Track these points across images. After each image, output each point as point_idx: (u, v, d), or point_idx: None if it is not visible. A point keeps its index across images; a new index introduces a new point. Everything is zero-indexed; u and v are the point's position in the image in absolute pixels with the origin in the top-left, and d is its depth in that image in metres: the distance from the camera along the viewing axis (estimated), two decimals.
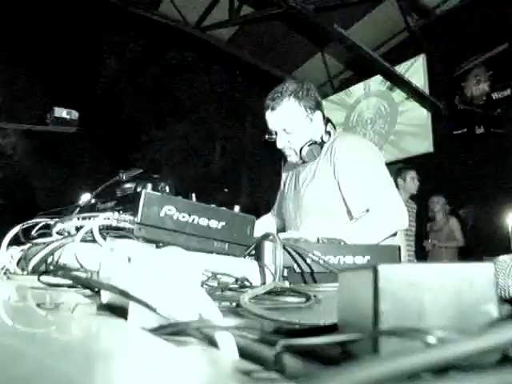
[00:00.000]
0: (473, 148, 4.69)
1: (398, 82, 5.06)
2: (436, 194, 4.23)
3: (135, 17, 4.86)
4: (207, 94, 9.11)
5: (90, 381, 0.21)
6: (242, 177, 9.39)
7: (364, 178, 1.48)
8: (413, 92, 5.02)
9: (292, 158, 1.64)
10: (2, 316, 0.45)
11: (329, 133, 1.63)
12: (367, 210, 1.46)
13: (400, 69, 5.16)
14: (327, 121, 1.66)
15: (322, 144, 1.60)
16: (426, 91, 5.05)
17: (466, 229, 4.30)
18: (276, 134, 1.59)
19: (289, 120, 1.56)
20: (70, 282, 0.53)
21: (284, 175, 1.86)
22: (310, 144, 1.58)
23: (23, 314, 0.46)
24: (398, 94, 5.33)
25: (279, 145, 1.59)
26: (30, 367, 0.23)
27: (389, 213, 1.46)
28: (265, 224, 1.80)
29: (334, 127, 1.71)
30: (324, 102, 1.92)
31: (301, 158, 1.60)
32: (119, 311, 0.39)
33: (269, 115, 1.58)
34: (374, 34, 5.34)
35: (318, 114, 1.61)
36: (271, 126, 1.59)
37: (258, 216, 1.85)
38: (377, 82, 5.61)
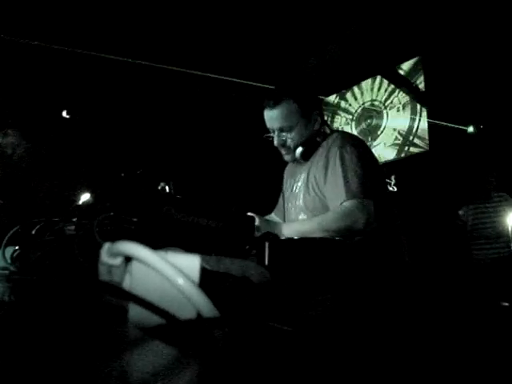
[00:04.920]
0: (470, 147, 4.66)
1: (397, 81, 5.04)
2: None
3: None
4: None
5: None
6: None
7: (341, 173, 1.47)
8: (411, 90, 5.01)
9: (286, 156, 1.66)
10: None
11: (324, 133, 1.64)
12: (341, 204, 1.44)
13: (398, 69, 5.14)
14: (324, 122, 1.67)
15: (316, 144, 1.62)
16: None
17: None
18: (273, 132, 1.61)
19: (287, 119, 1.57)
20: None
21: (285, 176, 1.88)
22: (304, 143, 1.60)
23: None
24: (396, 93, 5.31)
25: (276, 143, 1.61)
26: None
27: (352, 209, 1.40)
28: None
29: (330, 128, 1.73)
30: (323, 102, 1.94)
31: (294, 156, 1.62)
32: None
33: (267, 114, 1.60)
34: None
35: (316, 114, 1.62)
36: (269, 124, 1.62)
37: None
38: (374, 81, 5.59)
